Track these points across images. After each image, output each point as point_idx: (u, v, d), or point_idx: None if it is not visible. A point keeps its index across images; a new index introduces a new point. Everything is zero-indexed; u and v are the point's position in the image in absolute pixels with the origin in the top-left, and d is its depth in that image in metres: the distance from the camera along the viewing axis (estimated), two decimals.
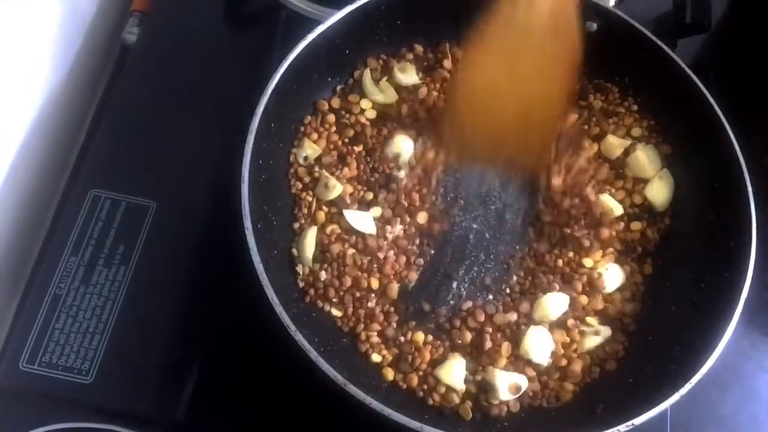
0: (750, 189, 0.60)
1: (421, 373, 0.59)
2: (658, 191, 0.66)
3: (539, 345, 0.59)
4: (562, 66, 0.59)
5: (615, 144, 0.68)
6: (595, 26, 0.69)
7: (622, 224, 0.66)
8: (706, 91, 0.64)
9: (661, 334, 0.60)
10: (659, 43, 0.66)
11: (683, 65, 0.65)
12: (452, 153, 0.65)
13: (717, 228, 0.62)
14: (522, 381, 0.58)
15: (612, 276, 0.63)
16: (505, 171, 0.66)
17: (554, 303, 0.61)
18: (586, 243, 0.64)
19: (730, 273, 0.58)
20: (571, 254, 0.64)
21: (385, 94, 0.69)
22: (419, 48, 0.72)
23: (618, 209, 0.66)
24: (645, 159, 0.67)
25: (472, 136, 0.62)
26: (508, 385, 0.57)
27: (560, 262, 0.64)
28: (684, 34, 0.79)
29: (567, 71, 0.59)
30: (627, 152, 0.68)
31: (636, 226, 0.66)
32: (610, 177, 0.68)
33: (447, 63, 0.71)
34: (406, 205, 0.64)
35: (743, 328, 0.55)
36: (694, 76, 0.65)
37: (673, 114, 0.68)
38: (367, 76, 0.69)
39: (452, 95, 0.63)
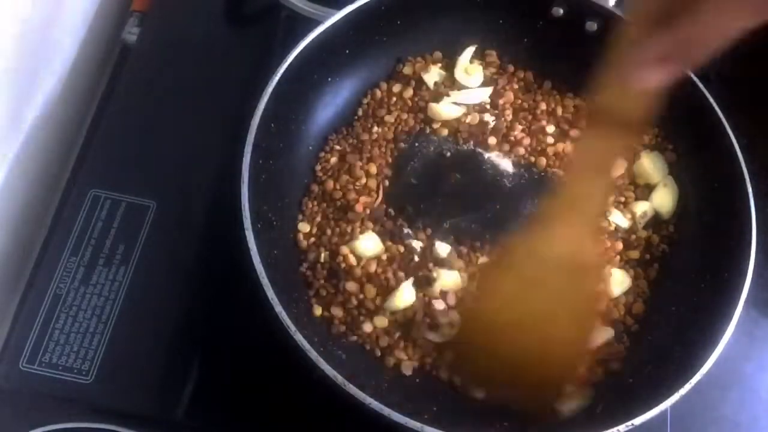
0: (750, 189, 0.60)
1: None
2: (664, 199, 0.66)
3: None
4: (583, 312, 0.51)
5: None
6: (595, 26, 0.69)
7: (631, 235, 0.65)
8: (706, 92, 0.64)
9: (661, 334, 0.60)
10: None
11: None
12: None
13: (717, 228, 0.62)
14: None
15: (617, 282, 0.63)
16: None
17: None
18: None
19: (730, 273, 0.58)
20: None
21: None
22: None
23: (625, 224, 0.65)
24: (650, 165, 0.67)
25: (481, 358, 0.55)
26: None
27: None
28: None
29: (589, 320, 0.52)
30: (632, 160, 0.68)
31: (642, 233, 0.65)
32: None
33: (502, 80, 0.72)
34: None
35: (743, 328, 0.55)
36: (694, 77, 0.65)
37: (673, 114, 0.68)
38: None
39: (469, 312, 0.57)
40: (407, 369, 0.59)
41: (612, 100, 0.45)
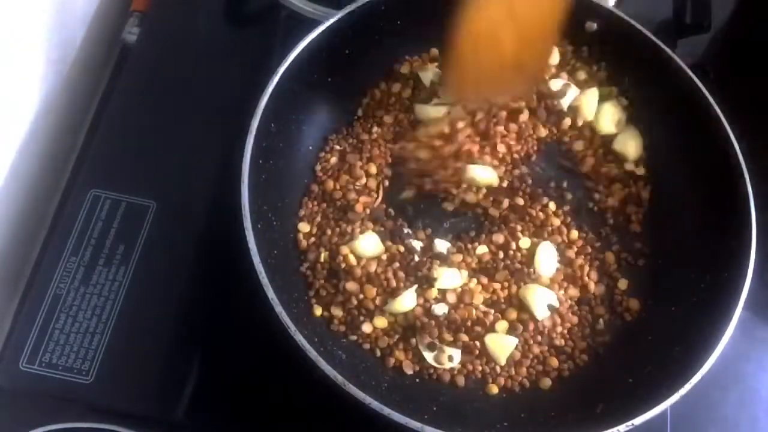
0: (750, 189, 0.60)
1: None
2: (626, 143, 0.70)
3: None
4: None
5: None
6: (595, 26, 0.69)
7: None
8: (706, 92, 0.64)
9: (661, 334, 0.60)
10: (659, 43, 0.66)
11: (683, 65, 0.65)
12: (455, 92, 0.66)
13: (717, 228, 0.62)
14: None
15: None
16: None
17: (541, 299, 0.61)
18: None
19: (730, 273, 0.58)
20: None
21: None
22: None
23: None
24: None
25: (475, 75, 0.63)
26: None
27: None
28: (684, 34, 0.80)
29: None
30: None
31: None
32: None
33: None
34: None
35: (743, 328, 0.55)
36: (694, 76, 0.65)
37: (673, 114, 0.68)
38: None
39: (457, 38, 0.62)
40: (408, 368, 0.59)
41: None
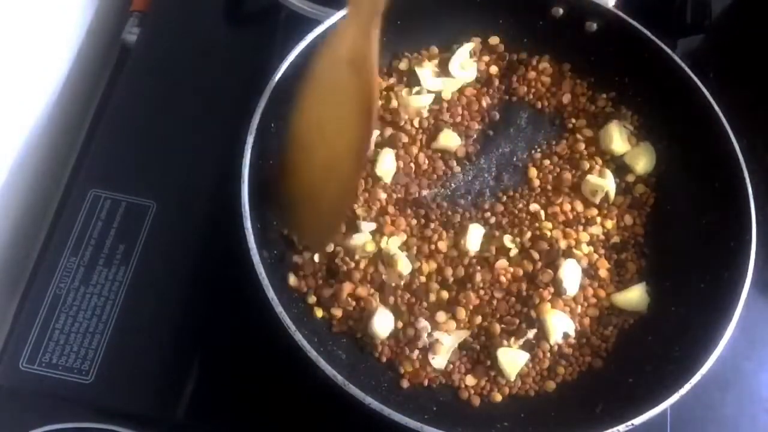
0: (750, 189, 0.60)
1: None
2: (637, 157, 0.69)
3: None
4: (359, 114, 0.52)
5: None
6: (595, 26, 0.69)
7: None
8: (705, 91, 0.64)
9: (660, 334, 0.60)
10: (659, 43, 0.66)
11: (683, 65, 0.65)
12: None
13: (717, 228, 0.62)
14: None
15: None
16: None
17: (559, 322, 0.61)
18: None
19: (730, 273, 0.58)
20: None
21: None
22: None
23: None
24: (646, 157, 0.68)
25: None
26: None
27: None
28: (684, 34, 0.80)
29: (363, 120, 0.52)
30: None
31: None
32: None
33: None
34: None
35: (743, 328, 0.55)
36: (694, 76, 0.65)
37: (673, 114, 0.68)
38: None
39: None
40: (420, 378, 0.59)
41: None
